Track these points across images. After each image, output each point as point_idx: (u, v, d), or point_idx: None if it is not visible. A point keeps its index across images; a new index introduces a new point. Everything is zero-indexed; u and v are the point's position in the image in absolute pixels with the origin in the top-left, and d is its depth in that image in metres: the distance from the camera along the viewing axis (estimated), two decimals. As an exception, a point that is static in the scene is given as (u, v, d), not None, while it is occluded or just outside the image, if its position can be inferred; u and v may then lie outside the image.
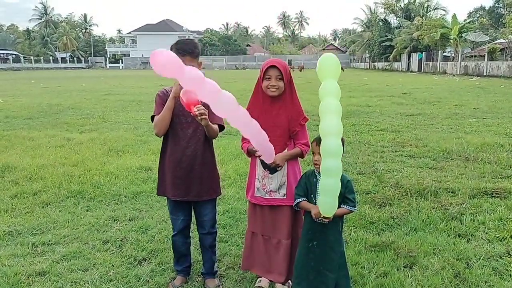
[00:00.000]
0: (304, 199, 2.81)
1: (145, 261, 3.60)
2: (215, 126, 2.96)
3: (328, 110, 2.50)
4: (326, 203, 2.56)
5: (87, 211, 4.77)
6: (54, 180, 5.78)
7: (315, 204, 2.70)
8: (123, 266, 3.48)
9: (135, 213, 4.67)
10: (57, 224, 4.36)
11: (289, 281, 3.11)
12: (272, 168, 2.94)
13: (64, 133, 9.60)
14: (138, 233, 4.12)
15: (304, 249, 2.82)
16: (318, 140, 2.66)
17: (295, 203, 2.85)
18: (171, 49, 2.89)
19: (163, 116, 2.90)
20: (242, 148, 3.10)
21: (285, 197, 2.98)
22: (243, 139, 3.04)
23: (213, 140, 3.15)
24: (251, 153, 3.01)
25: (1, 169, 6.33)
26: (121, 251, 3.77)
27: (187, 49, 2.86)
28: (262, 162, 2.96)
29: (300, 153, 2.98)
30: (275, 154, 2.87)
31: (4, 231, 4.17)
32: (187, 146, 2.99)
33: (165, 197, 3.19)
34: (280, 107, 2.91)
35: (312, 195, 2.76)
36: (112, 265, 3.49)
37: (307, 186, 2.80)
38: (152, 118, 3.01)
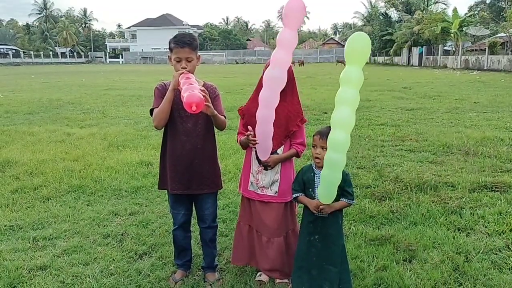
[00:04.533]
0: (301, 194, 2.82)
1: (146, 255, 3.62)
2: (222, 117, 2.96)
3: (344, 100, 2.40)
4: (327, 194, 2.59)
5: (87, 205, 4.78)
6: (55, 175, 5.79)
7: (314, 198, 2.72)
8: (123, 260, 3.50)
9: (136, 207, 4.68)
10: (58, 219, 4.38)
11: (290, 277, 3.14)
12: (264, 165, 2.97)
13: (64, 128, 9.60)
14: (139, 228, 4.14)
15: (305, 243, 2.82)
16: (322, 133, 2.65)
17: (293, 198, 2.87)
18: (170, 43, 2.90)
19: (163, 108, 2.88)
20: (237, 140, 3.13)
21: (276, 195, 3.01)
22: (239, 132, 3.11)
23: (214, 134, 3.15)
24: (244, 145, 3.05)
25: (1, 164, 6.34)
26: (121, 245, 3.78)
27: (185, 41, 2.85)
28: (257, 157, 3.00)
29: (296, 154, 3.00)
30: (271, 153, 2.91)
31: (5, 226, 4.19)
32: (186, 140, 2.98)
33: (166, 192, 3.20)
34: (279, 106, 2.89)
35: (310, 189, 2.77)
36: (113, 259, 3.51)
37: (305, 181, 2.81)
38: (151, 111, 3.00)
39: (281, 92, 2.88)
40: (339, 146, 2.44)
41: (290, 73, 2.88)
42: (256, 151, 2.98)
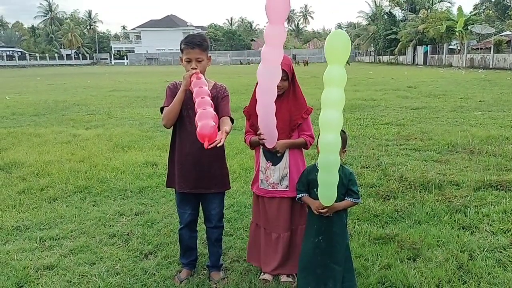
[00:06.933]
0: (305, 194, 2.84)
1: (152, 254, 3.64)
2: (228, 125, 2.92)
3: (329, 102, 2.43)
4: (327, 195, 2.60)
5: (93, 206, 4.82)
6: (61, 176, 5.84)
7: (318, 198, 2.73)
8: (129, 260, 3.53)
9: (141, 207, 4.71)
10: (64, 219, 4.42)
11: (294, 274, 3.16)
12: (274, 160, 2.99)
13: (70, 130, 9.67)
14: (144, 227, 4.17)
15: (310, 244, 2.84)
16: None
17: (297, 198, 2.89)
18: (181, 44, 2.93)
19: (172, 108, 2.91)
20: (245, 141, 3.16)
21: (287, 189, 3.02)
22: (246, 132, 3.14)
23: None
24: (253, 145, 3.08)
25: (8, 165, 6.40)
26: (127, 245, 3.81)
27: (196, 42, 2.88)
28: (265, 153, 3.03)
29: (304, 144, 3.02)
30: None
31: (12, 226, 4.23)
32: (195, 140, 2.99)
33: (173, 191, 3.22)
34: (282, 102, 2.94)
35: (314, 189, 2.77)
36: (119, 259, 3.54)
37: (309, 181, 2.82)
38: (162, 110, 3.02)
39: (286, 90, 2.95)
40: (331, 147, 2.47)
41: (291, 70, 2.94)
42: (263, 148, 3.02)
